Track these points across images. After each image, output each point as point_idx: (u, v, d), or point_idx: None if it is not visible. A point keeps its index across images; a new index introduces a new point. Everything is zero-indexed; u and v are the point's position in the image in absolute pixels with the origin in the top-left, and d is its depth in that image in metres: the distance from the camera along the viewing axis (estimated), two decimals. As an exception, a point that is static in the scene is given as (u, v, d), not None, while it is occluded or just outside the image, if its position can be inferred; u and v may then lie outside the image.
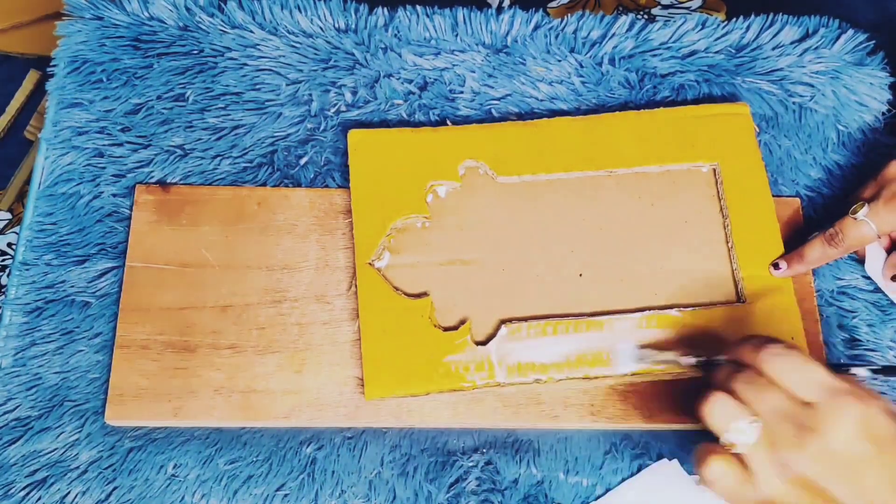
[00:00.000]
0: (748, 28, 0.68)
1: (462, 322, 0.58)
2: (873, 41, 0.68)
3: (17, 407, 0.58)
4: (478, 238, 0.60)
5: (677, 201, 0.61)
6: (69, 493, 0.56)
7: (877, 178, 0.59)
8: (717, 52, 0.68)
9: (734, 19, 0.68)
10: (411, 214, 0.60)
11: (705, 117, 0.63)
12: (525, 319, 0.58)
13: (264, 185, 0.63)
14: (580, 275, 0.59)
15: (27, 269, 0.61)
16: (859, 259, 0.62)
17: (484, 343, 0.57)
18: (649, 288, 0.59)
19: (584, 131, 0.63)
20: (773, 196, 0.62)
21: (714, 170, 0.62)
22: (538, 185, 0.62)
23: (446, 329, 0.58)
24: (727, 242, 0.60)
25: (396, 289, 0.58)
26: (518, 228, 0.61)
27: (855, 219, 0.57)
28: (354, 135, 0.62)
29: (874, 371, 0.53)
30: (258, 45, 0.67)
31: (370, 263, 0.59)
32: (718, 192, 0.61)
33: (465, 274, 0.59)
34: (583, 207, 0.61)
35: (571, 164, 0.62)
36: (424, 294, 0.59)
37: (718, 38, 0.68)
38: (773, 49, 0.68)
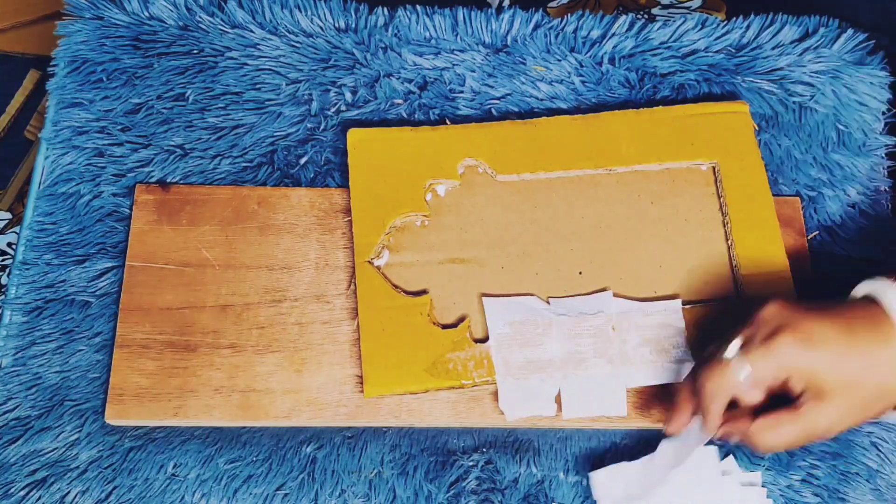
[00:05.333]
0: (748, 27, 0.68)
1: (461, 320, 0.58)
2: (873, 41, 0.68)
3: (17, 406, 0.58)
4: (477, 236, 0.60)
5: (677, 199, 0.61)
6: (69, 492, 0.56)
7: (749, 320, 0.50)
8: (717, 52, 0.68)
9: (734, 19, 0.68)
10: (410, 213, 0.60)
11: (704, 116, 0.63)
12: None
13: (264, 184, 0.63)
14: (580, 273, 0.59)
15: (27, 269, 0.61)
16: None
17: (483, 341, 0.57)
18: (649, 286, 0.59)
19: (584, 130, 0.63)
20: (774, 195, 0.62)
21: (714, 168, 0.62)
22: (538, 183, 0.62)
23: (445, 327, 0.58)
24: (727, 240, 0.60)
25: (395, 287, 0.58)
26: (517, 227, 0.61)
27: (723, 359, 0.49)
28: (354, 133, 0.62)
29: None
30: (258, 44, 0.67)
31: (369, 262, 0.59)
32: (718, 190, 0.61)
33: (464, 272, 0.59)
34: (582, 206, 0.61)
35: (571, 162, 0.62)
36: (424, 292, 0.59)
37: (718, 38, 0.68)
38: (773, 49, 0.68)
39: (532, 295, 0.58)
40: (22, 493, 0.56)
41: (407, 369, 0.56)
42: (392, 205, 0.60)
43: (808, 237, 0.62)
